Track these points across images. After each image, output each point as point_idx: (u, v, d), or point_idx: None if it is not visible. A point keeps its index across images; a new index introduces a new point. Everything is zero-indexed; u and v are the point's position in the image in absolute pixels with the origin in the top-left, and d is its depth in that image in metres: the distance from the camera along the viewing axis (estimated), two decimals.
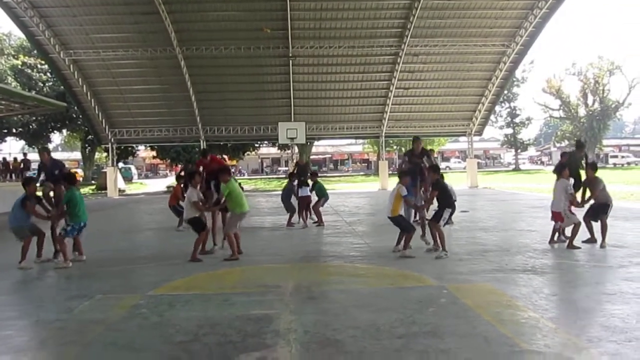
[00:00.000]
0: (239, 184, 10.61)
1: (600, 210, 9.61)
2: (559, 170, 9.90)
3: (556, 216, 9.69)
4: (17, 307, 6.67)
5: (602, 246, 9.31)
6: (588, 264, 8.26)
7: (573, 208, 9.88)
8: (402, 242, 9.12)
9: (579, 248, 9.28)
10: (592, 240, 9.63)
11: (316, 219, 14.18)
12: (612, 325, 5.08)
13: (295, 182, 14.45)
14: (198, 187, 9.80)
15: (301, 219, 14.10)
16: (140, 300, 6.50)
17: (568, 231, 9.70)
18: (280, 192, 15.47)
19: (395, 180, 10.22)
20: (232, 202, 9.35)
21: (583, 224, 9.58)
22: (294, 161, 30.35)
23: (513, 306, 5.88)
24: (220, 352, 4.75)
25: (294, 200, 14.35)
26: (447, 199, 9.15)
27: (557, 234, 9.85)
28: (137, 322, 5.67)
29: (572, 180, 10.41)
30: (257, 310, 5.92)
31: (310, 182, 14.59)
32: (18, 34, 46.33)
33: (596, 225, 9.65)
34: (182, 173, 14.45)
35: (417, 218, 10.75)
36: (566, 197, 9.52)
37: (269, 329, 5.24)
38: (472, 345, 4.72)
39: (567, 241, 9.48)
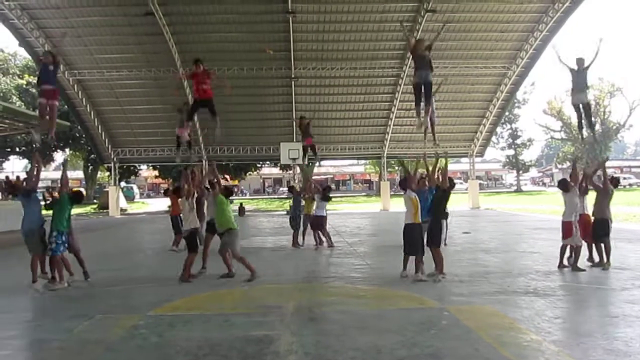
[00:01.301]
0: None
1: (600, 228, 9.49)
2: (563, 187, 9.81)
3: (567, 227, 9.50)
4: (17, 327, 6.64)
5: (605, 268, 9.23)
6: (591, 287, 8.21)
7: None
8: (411, 266, 8.91)
9: (583, 270, 9.20)
10: (599, 263, 9.57)
11: (320, 241, 14.01)
12: (615, 349, 5.05)
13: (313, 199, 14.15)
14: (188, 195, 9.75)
15: (316, 240, 13.90)
16: (140, 321, 6.47)
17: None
18: (289, 211, 15.29)
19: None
20: (223, 217, 9.31)
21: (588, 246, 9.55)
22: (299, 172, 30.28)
23: (515, 329, 5.84)
24: None
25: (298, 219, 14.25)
26: (444, 209, 9.02)
27: (566, 258, 9.66)
28: (136, 342, 5.64)
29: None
30: (257, 331, 5.89)
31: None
32: (23, 54, 46.82)
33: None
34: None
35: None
36: (580, 201, 9.54)
37: (269, 350, 5.21)
38: None
39: (572, 263, 9.38)
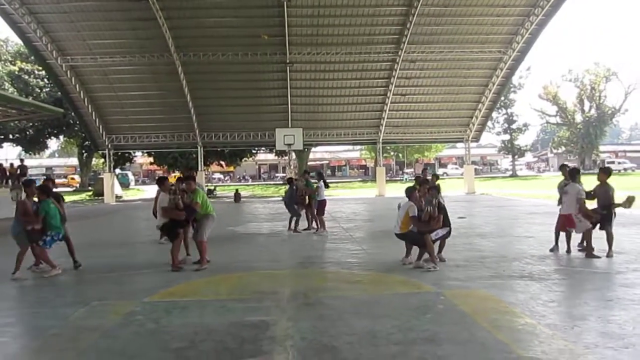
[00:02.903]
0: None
1: (605, 219, 9.44)
2: (573, 174, 9.73)
3: (567, 220, 9.46)
4: (13, 314, 6.65)
5: (609, 255, 9.03)
6: (586, 271, 8.26)
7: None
8: (412, 254, 8.87)
9: (599, 257, 9.02)
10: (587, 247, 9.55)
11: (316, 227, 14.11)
12: (609, 332, 5.08)
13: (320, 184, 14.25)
14: (169, 192, 9.41)
15: (320, 225, 13.93)
16: (136, 307, 6.47)
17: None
18: (283, 198, 15.29)
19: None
20: (204, 206, 9.19)
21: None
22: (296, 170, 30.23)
23: (510, 312, 5.87)
24: (216, 359, 4.74)
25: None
26: (446, 220, 8.92)
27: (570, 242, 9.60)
28: (132, 329, 5.64)
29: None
30: (253, 317, 5.90)
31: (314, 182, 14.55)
32: (15, 40, 46.31)
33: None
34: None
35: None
36: (577, 201, 9.27)
37: (265, 336, 5.22)
38: (469, 352, 4.71)
39: (585, 251, 9.27)
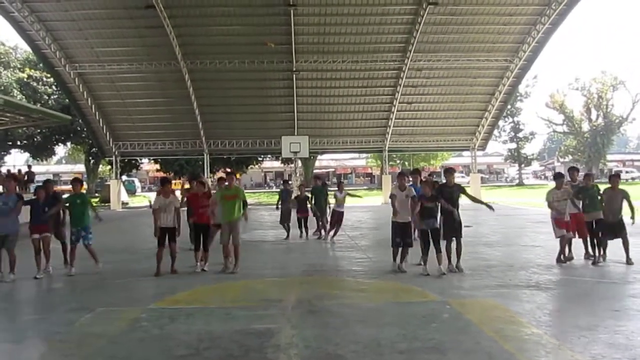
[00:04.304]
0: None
1: (619, 227, 9.47)
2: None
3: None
4: (19, 319, 6.67)
5: (630, 262, 9.11)
6: (592, 280, 8.20)
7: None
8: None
9: (572, 259, 9.37)
10: (592, 256, 9.55)
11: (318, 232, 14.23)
12: (616, 343, 5.04)
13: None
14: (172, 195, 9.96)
15: (325, 232, 14.11)
16: (142, 314, 6.48)
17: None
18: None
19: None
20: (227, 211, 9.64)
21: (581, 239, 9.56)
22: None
23: (516, 322, 5.84)
24: None
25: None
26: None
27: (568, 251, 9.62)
28: (138, 335, 5.64)
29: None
30: (258, 325, 5.90)
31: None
32: (24, 47, 46.62)
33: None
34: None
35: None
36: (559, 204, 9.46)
37: (270, 344, 5.22)
38: None
39: (561, 258, 9.41)
